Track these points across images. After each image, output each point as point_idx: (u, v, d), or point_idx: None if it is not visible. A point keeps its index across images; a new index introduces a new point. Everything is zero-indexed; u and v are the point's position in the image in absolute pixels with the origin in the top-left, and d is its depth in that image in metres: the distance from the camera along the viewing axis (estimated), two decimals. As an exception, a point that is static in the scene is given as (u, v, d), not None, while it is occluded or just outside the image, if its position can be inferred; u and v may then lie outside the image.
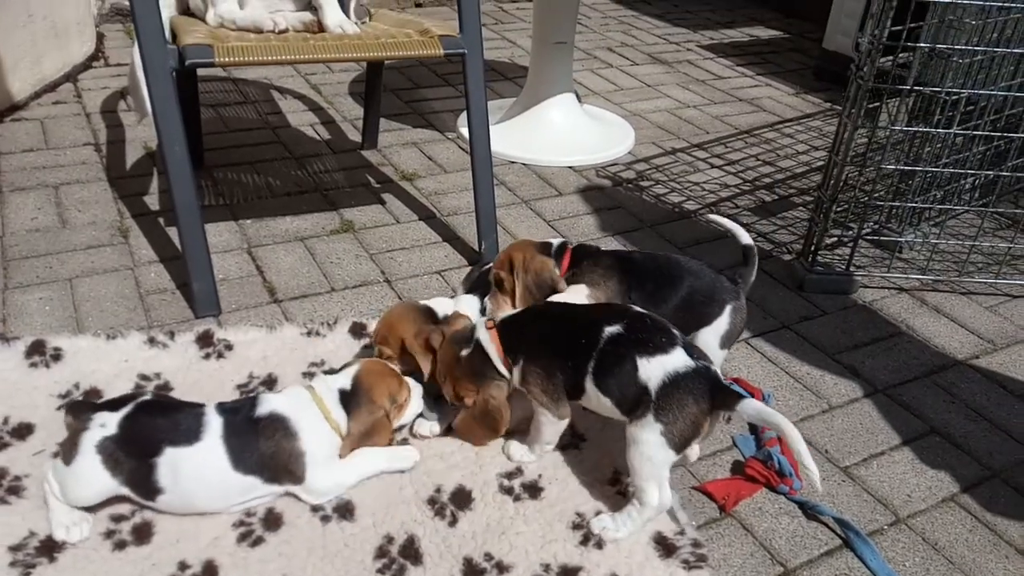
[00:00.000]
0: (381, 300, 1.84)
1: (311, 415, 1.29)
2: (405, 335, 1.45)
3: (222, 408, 1.28)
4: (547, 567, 1.22)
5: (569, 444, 1.45)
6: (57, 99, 2.73)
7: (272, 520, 1.26)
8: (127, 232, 2.02)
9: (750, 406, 1.19)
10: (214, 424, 1.24)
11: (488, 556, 1.23)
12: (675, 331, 1.29)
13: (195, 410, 1.27)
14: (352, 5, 1.99)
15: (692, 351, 1.26)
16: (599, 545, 1.26)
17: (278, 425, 1.26)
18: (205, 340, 1.62)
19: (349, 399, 1.32)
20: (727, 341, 1.49)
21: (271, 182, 2.33)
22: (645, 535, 1.28)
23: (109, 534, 1.22)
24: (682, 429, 1.21)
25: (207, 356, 1.59)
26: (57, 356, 1.55)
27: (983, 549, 1.33)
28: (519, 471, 1.39)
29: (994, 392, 1.70)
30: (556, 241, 1.57)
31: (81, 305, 1.74)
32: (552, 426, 1.36)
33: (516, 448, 1.41)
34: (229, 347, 1.61)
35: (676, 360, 1.23)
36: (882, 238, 2.17)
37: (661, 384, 1.21)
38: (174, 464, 1.21)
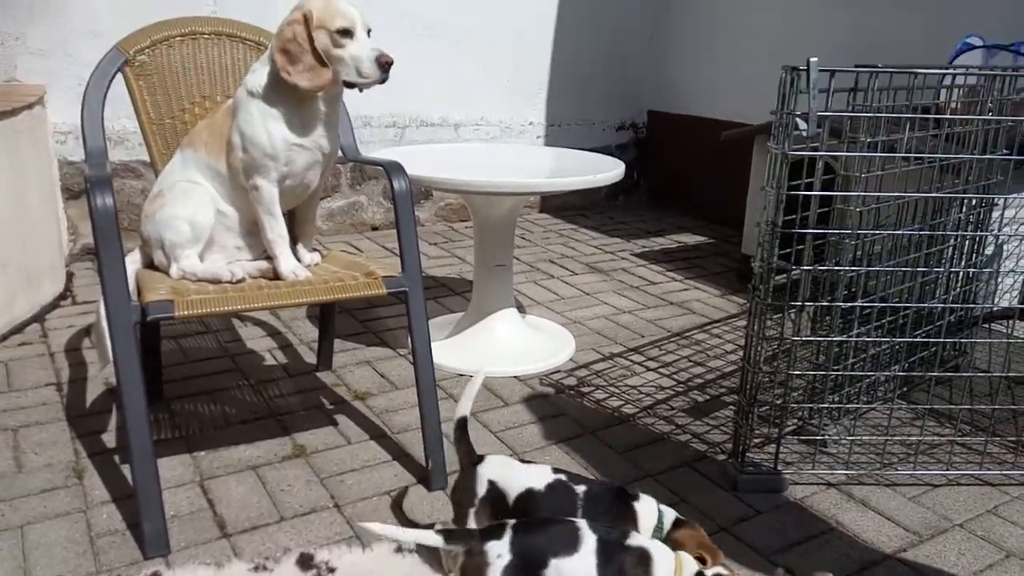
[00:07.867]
0: (329, 527, 1.89)
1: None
2: None
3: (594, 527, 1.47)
4: None
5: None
6: (23, 340, 2.86)
7: None
8: (82, 472, 2.08)
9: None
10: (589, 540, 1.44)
11: None
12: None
13: (569, 526, 1.47)
14: (305, 251, 2.21)
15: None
16: None
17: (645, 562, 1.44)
18: (152, 583, 1.64)
19: None
20: None
21: (227, 411, 2.43)
22: None
23: None
24: None
25: (153, 601, 1.61)
26: (1, 611, 1.55)
27: None
28: None
29: (923, 585, 1.77)
30: None
31: (31, 553, 1.76)
32: None
33: None
34: (176, 589, 1.64)
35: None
36: (801, 437, 2.31)
37: None
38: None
